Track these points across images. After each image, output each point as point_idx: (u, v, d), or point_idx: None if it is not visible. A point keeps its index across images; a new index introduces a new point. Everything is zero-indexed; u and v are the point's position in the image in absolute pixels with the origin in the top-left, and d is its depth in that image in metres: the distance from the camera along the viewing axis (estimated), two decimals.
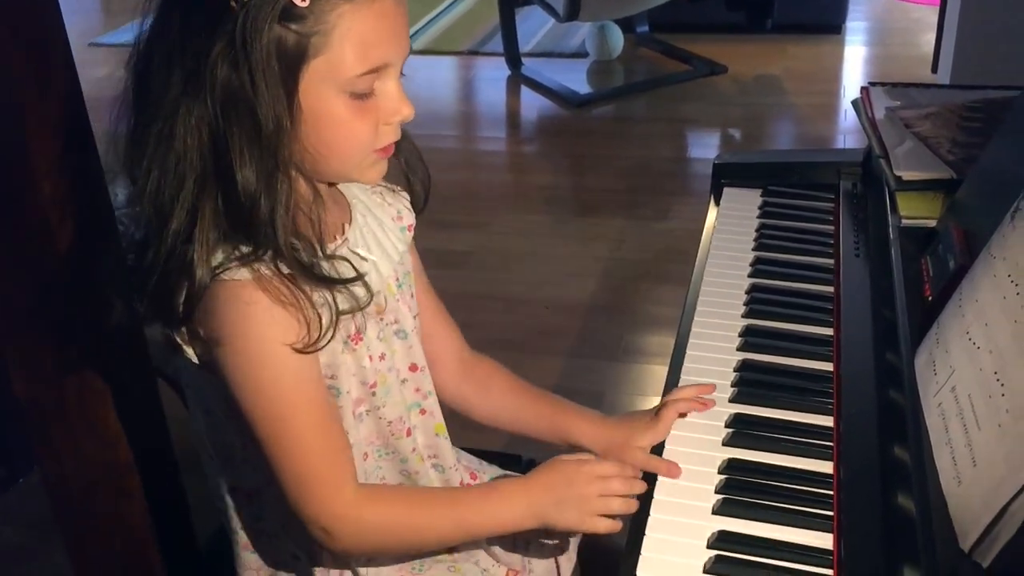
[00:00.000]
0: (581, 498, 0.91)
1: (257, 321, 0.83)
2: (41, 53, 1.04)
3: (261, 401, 0.85)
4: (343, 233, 0.94)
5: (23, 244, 1.06)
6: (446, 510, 0.92)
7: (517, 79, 4.00)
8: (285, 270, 0.84)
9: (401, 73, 0.87)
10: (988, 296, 0.83)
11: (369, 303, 0.90)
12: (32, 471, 1.89)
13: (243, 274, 0.83)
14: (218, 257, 0.82)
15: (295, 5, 0.78)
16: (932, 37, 3.65)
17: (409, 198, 1.02)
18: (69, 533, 1.29)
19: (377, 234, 0.98)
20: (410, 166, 0.99)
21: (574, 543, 1.15)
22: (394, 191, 1.02)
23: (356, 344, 0.91)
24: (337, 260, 0.89)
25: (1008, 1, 2.80)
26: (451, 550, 1.02)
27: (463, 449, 1.14)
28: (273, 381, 0.84)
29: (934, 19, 3.65)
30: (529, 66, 4.03)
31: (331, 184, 0.93)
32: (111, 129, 0.86)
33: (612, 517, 0.92)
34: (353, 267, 0.89)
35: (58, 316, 1.10)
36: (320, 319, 0.84)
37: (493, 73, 4.10)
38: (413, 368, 1.00)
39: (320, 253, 0.87)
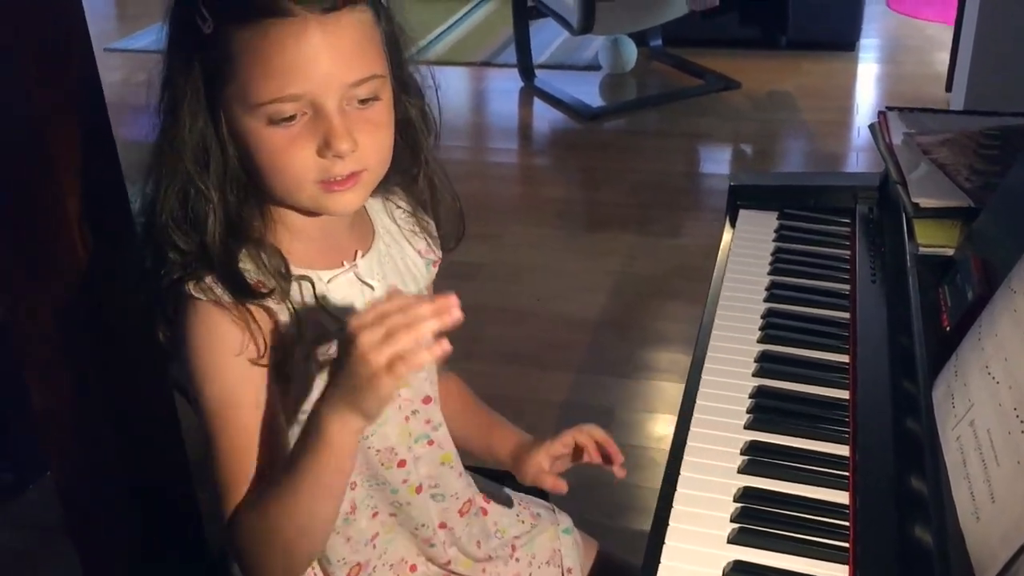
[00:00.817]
0: (363, 378, 0.77)
1: (206, 335, 0.86)
2: (64, 62, 1.05)
3: (199, 407, 0.88)
4: (355, 259, 0.94)
5: (47, 258, 1.07)
6: (294, 478, 0.84)
7: (530, 91, 4.01)
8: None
9: (368, 100, 0.84)
10: (1008, 331, 0.83)
11: (341, 333, 0.86)
12: (42, 477, 1.90)
13: (203, 294, 0.86)
14: (182, 272, 0.86)
15: (203, 32, 0.81)
16: (946, 55, 3.65)
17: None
18: (80, 540, 1.29)
19: (399, 266, 0.98)
20: (438, 204, 0.99)
21: (583, 570, 1.15)
22: (428, 221, 1.02)
23: None
24: (304, 282, 0.89)
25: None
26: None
27: (474, 470, 1.15)
28: (211, 390, 0.87)
29: (948, 37, 3.66)
30: (542, 78, 4.04)
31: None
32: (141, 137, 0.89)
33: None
34: (314, 290, 0.90)
35: (77, 328, 1.10)
36: (265, 337, 0.87)
37: (506, 84, 4.11)
38: (427, 400, 1.00)
39: (285, 272, 0.88)
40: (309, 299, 0.89)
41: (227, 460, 0.88)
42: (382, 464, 0.97)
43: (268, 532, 0.85)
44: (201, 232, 0.85)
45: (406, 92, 0.92)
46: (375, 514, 1.00)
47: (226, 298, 0.85)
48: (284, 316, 0.88)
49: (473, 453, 1.15)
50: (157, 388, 1.20)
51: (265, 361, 0.87)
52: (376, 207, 1.00)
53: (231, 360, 0.86)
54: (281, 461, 0.88)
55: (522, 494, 1.18)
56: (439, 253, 1.03)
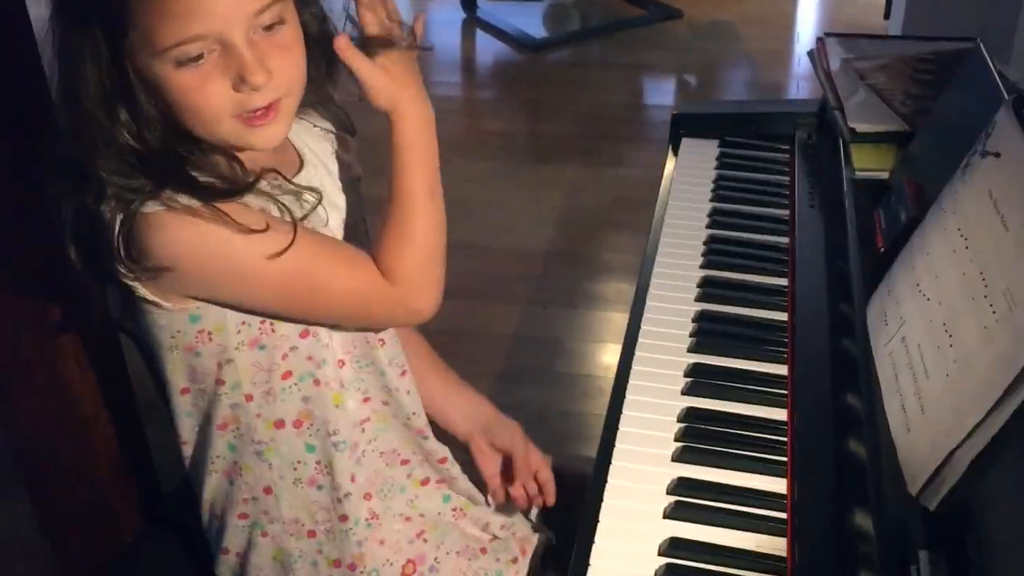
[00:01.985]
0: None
1: (203, 224, 0.84)
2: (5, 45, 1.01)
3: (274, 282, 0.87)
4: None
5: None
6: (419, 196, 0.92)
7: (472, 22, 3.96)
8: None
9: (274, 26, 0.83)
10: (938, 249, 0.86)
11: (319, 200, 0.91)
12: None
13: (156, 206, 0.83)
14: (131, 202, 0.83)
15: None
16: None
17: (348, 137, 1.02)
18: (32, 484, 1.29)
19: (327, 185, 0.98)
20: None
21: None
22: (346, 141, 1.01)
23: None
24: (269, 172, 0.89)
25: None
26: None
27: None
28: (262, 259, 0.85)
29: None
30: (484, 9, 3.98)
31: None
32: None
33: None
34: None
35: (17, 274, 1.08)
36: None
37: (448, 16, 4.04)
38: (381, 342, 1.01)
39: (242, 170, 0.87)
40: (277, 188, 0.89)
41: (332, 259, 0.89)
42: (367, 342, 0.97)
43: (425, 251, 0.92)
44: (141, 163, 0.83)
45: (305, 4, 0.90)
46: (366, 399, 0.99)
47: (196, 203, 0.83)
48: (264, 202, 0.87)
49: (430, 409, 1.13)
50: (101, 330, 1.19)
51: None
52: (295, 130, 0.97)
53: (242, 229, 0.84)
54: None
55: None
56: (360, 169, 1.02)
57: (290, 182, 0.91)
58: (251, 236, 0.84)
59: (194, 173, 0.85)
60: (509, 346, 2.26)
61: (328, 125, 1.00)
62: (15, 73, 1.06)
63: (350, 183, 1.01)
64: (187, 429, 0.98)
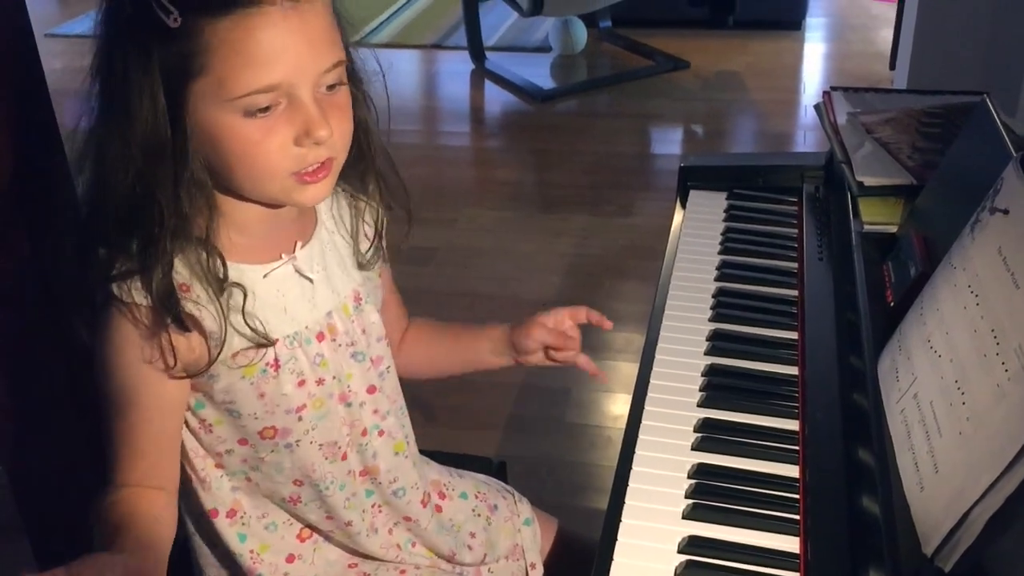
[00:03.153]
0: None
1: (121, 351, 0.86)
2: (4, 48, 1.02)
3: (100, 393, 0.88)
4: (294, 250, 0.93)
5: None
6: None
7: (481, 73, 4.01)
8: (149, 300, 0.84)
9: (335, 86, 0.84)
10: (949, 306, 0.86)
11: (267, 345, 0.89)
12: None
13: (128, 295, 0.84)
14: (111, 270, 0.84)
15: (166, 25, 0.78)
16: (890, 33, 3.71)
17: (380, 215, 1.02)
18: (33, 532, 1.28)
19: (341, 252, 0.98)
20: (390, 194, 1.00)
21: (543, 549, 1.16)
22: (372, 206, 1.01)
23: (276, 372, 0.91)
24: (235, 287, 0.88)
25: None
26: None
27: (429, 454, 1.15)
28: (109, 394, 0.88)
29: (892, 15, 3.71)
30: (493, 60, 4.03)
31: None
32: (74, 125, 0.87)
33: None
34: (243, 300, 0.88)
35: (18, 322, 1.08)
36: (175, 352, 0.86)
37: (457, 67, 4.10)
38: (371, 390, 1.00)
39: (220, 273, 0.87)
40: (236, 307, 0.88)
41: (113, 445, 0.88)
42: (326, 458, 0.97)
43: None
44: (142, 232, 0.83)
45: (354, 82, 0.91)
46: (329, 517, 1.01)
47: (145, 304, 0.84)
48: (209, 320, 0.87)
49: (467, 367, 1.18)
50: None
51: (175, 372, 0.87)
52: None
53: (135, 364, 0.86)
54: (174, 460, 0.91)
55: (480, 478, 1.19)
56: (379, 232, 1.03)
57: (244, 316, 0.89)
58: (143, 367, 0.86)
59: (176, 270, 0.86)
60: (517, 396, 2.26)
61: (349, 188, 1.00)
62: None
63: (374, 251, 1.01)
64: None
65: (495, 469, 1.28)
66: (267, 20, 0.79)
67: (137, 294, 0.84)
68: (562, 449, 2.08)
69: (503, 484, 1.21)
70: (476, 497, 1.15)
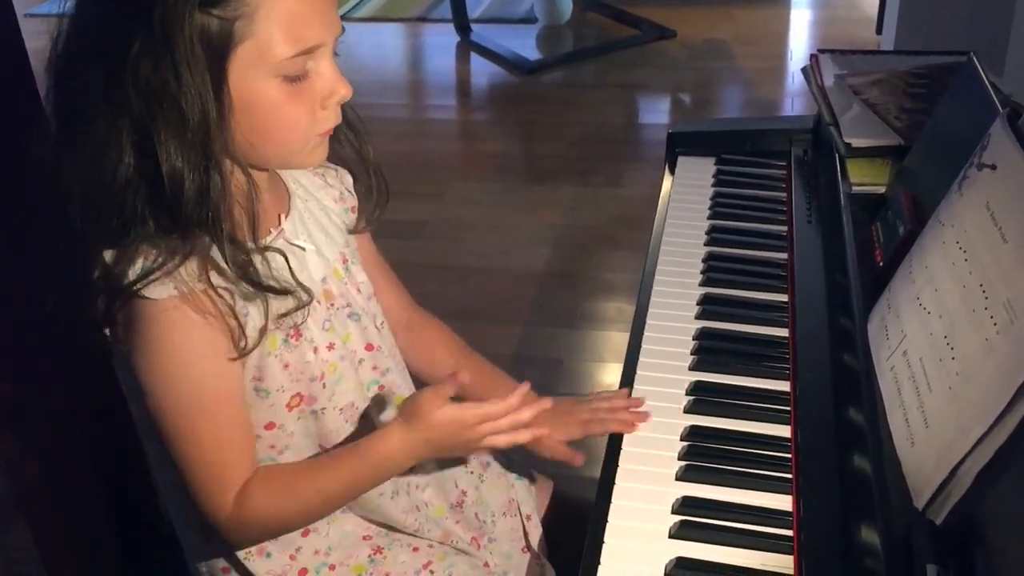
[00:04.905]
0: (464, 444, 0.91)
1: (179, 342, 0.83)
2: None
3: (167, 407, 0.86)
4: (279, 224, 0.93)
5: None
6: (330, 483, 0.91)
7: (466, 46, 3.98)
8: (215, 280, 0.83)
9: (335, 52, 0.85)
10: (937, 262, 0.86)
11: (309, 302, 0.89)
12: None
13: (164, 291, 0.81)
14: (137, 267, 0.81)
15: None
16: None
17: (351, 179, 1.01)
18: (34, 522, 1.28)
19: (320, 219, 0.97)
20: (360, 160, 0.99)
21: (538, 512, 1.17)
22: (336, 171, 1.01)
23: (296, 341, 0.91)
24: (271, 253, 0.87)
25: None
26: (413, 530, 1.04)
27: None
28: (184, 395, 0.85)
29: None
30: (478, 32, 4.00)
31: (265, 171, 0.90)
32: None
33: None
34: (287, 261, 0.88)
35: (14, 313, 1.08)
36: (243, 329, 0.85)
37: (442, 40, 4.07)
38: (368, 348, 1.00)
39: (254, 246, 0.86)
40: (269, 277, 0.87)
41: (214, 452, 0.87)
42: (347, 422, 0.97)
43: (290, 516, 0.91)
44: (203, 204, 0.80)
45: None
46: None
47: (189, 288, 0.82)
48: (240, 296, 0.85)
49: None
50: (100, 368, 1.18)
51: (240, 349, 0.85)
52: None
53: (204, 353, 0.84)
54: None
55: None
56: (355, 199, 1.02)
57: (294, 281, 0.89)
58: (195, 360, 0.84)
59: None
60: (509, 367, 2.23)
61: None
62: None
63: (344, 212, 1.01)
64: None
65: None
66: None
67: (190, 280, 0.82)
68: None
69: None
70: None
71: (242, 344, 0.85)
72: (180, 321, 0.82)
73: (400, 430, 0.88)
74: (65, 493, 1.24)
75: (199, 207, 0.80)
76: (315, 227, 0.96)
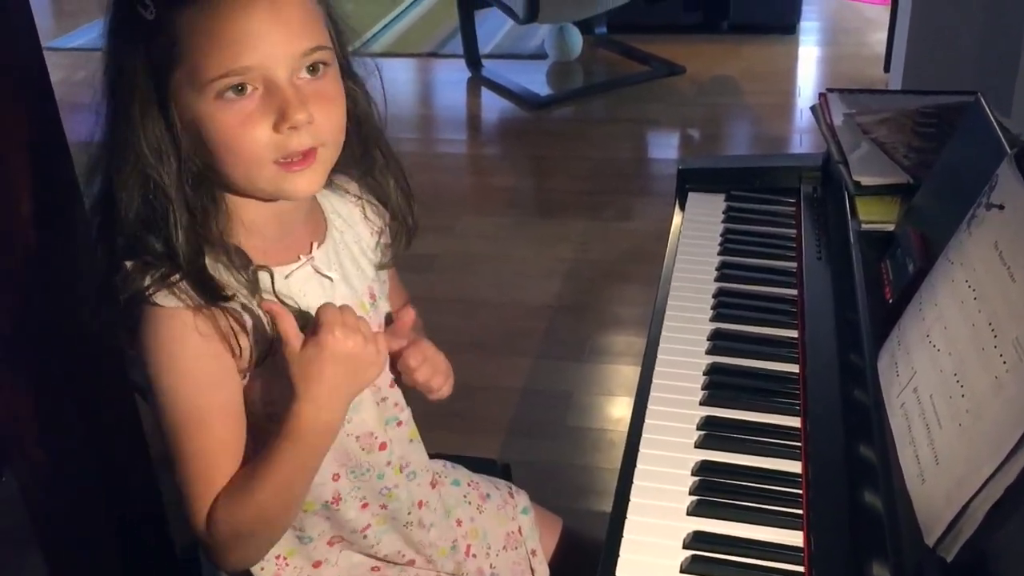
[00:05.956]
0: (356, 365, 0.87)
1: (178, 351, 0.86)
2: (11, 60, 1.04)
3: (166, 413, 0.88)
4: (310, 251, 0.95)
5: (2, 268, 1.05)
6: (278, 473, 0.88)
7: (477, 81, 4.02)
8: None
9: (319, 67, 0.84)
10: (947, 300, 0.87)
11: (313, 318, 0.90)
12: None
13: (173, 300, 0.84)
14: (148, 278, 0.85)
15: (146, 20, 0.80)
16: (884, 36, 3.73)
17: (388, 216, 1.03)
18: (46, 545, 1.28)
19: (354, 251, 0.99)
20: (392, 196, 1.00)
21: (548, 548, 1.17)
22: (376, 206, 1.02)
23: None
24: (262, 271, 0.89)
25: (959, 1, 2.86)
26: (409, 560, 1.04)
27: (435, 456, 1.16)
28: (180, 404, 0.87)
29: (886, 19, 3.73)
30: (489, 67, 4.05)
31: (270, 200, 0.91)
32: (87, 139, 0.88)
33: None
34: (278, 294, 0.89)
35: (35, 334, 1.09)
36: (252, 348, 0.87)
37: (453, 75, 4.11)
38: (392, 385, 1.01)
39: (248, 268, 0.88)
40: (269, 295, 0.90)
41: (199, 466, 0.88)
42: (363, 449, 0.97)
43: (252, 520, 0.89)
44: (164, 231, 0.84)
45: (350, 78, 0.92)
46: (364, 505, 1.01)
47: (195, 302, 0.85)
48: (247, 315, 0.88)
49: None
50: (118, 387, 1.20)
51: (241, 363, 0.88)
52: (326, 192, 0.99)
53: (201, 366, 0.86)
54: (249, 456, 0.90)
55: (475, 474, 1.20)
56: (388, 236, 1.04)
57: (275, 295, 0.90)
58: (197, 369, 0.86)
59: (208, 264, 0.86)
60: (519, 400, 2.26)
61: (356, 190, 1.01)
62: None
63: (378, 248, 1.02)
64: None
65: (499, 472, 1.28)
66: (235, 4, 0.80)
67: (187, 292, 0.85)
68: (564, 452, 2.09)
69: (502, 480, 1.22)
70: (468, 485, 1.16)
71: (244, 362, 0.87)
72: (182, 332, 0.85)
73: (300, 401, 0.86)
74: (78, 522, 1.25)
75: (155, 227, 0.84)
76: (347, 259, 0.98)
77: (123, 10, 0.83)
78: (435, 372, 1.03)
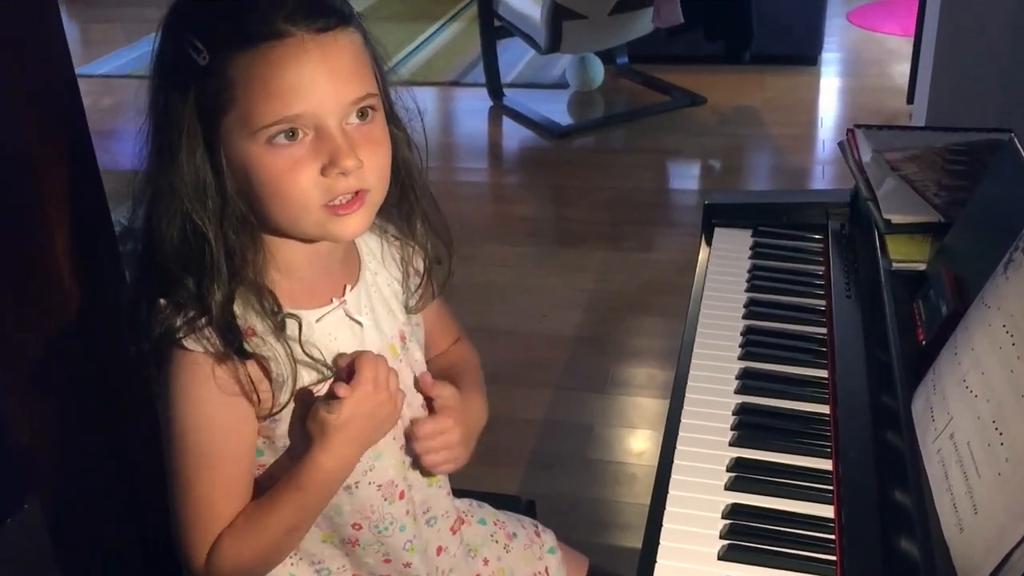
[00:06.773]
0: (378, 419, 0.90)
1: (196, 394, 0.86)
2: (48, 90, 1.05)
3: (174, 449, 0.88)
4: (343, 294, 0.95)
5: (35, 295, 1.06)
6: (285, 521, 0.90)
7: (499, 110, 4.04)
8: (254, 343, 0.86)
9: (367, 112, 0.85)
10: (984, 346, 0.86)
11: (330, 378, 0.90)
12: (21, 511, 1.87)
13: (199, 345, 0.85)
14: (178, 319, 0.85)
15: (198, 64, 0.81)
16: (906, 67, 3.72)
17: (423, 263, 1.02)
18: (70, 570, 1.28)
19: (385, 294, 0.98)
20: (433, 243, 1.00)
21: None
22: (414, 250, 1.02)
23: None
24: (290, 318, 0.89)
25: (983, 32, 2.85)
26: None
27: (459, 492, 1.15)
28: (191, 444, 0.88)
29: (908, 49, 3.73)
30: (511, 97, 4.07)
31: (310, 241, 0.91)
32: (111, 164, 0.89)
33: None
34: (303, 348, 0.89)
35: (64, 364, 1.10)
36: (275, 397, 0.87)
37: (475, 104, 4.13)
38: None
39: (274, 307, 0.88)
40: (295, 342, 0.89)
41: (202, 507, 0.89)
42: (385, 499, 0.97)
43: (255, 559, 0.90)
44: (198, 273, 0.85)
45: (393, 122, 0.93)
46: (387, 560, 1.01)
47: (218, 351, 0.85)
48: (274, 361, 0.88)
49: None
50: (145, 417, 1.19)
51: (261, 410, 0.88)
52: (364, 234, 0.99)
53: (218, 414, 0.87)
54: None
55: (501, 512, 1.19)
56: (419, 281, 1.03)
57: (301, 346, 0.90)
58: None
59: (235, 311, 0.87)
60: (539, 432, 2.25)
61: (395, 230, 1.01)
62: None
63: (414, 289, 1.02)
64: None
65: (524, 508, 1.27)
66: (288, 52, 0.81)
67: (212, 338, 0.85)
68: (586, 486, 2.07)
69: (527, 518, 1.21)
70: (495, 524, 1.15)
71: (265, 409, 0.88)
72: (204, 379, 0.86)
73: (320, 452, 0.87)
74: (102, 548, 1.24)
75: (191, 267, 0.85)
76: (379, 301, 0.97)
77: (173, 52, 0.83)
78: (427, 452, 1.01)
